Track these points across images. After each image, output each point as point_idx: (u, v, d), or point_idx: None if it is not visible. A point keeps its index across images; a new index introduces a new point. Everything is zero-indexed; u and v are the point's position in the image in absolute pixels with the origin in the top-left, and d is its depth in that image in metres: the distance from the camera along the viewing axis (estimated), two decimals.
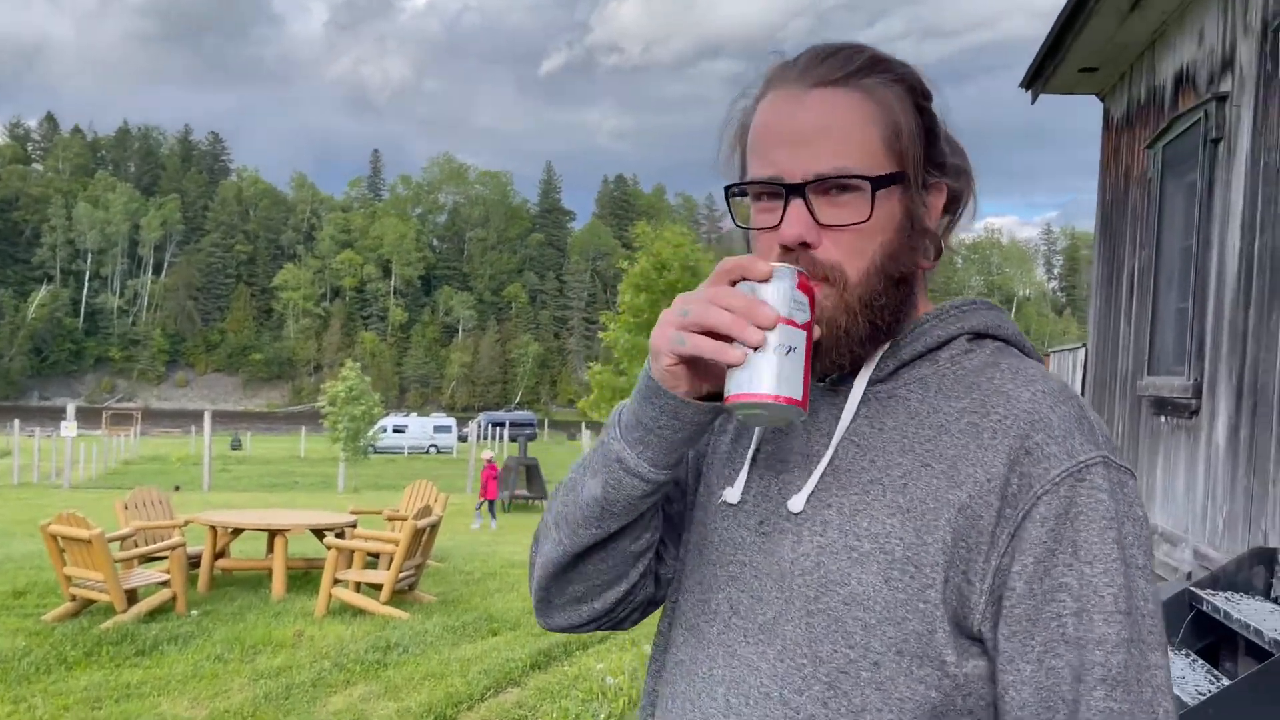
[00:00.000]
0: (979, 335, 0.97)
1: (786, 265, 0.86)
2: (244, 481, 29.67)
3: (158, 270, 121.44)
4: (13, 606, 7.67)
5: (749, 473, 1.01)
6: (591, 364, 30.19)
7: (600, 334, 28.83)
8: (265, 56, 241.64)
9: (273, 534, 8.71)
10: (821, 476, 0.93)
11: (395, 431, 49.74)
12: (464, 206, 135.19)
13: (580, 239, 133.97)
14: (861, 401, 0.95)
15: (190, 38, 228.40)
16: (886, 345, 0.95)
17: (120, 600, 7.16)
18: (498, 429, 47.82)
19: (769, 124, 0.93)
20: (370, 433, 29.56)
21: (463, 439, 48.72)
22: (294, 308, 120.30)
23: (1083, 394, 7.32)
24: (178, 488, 24.21)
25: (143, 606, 7.30)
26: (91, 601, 7.37)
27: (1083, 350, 8.42)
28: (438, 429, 52.53)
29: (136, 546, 8.07)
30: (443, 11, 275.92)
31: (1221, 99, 4.91)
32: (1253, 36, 4.63)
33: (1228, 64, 4.94)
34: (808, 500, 0.93)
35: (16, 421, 32.55)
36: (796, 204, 0.89)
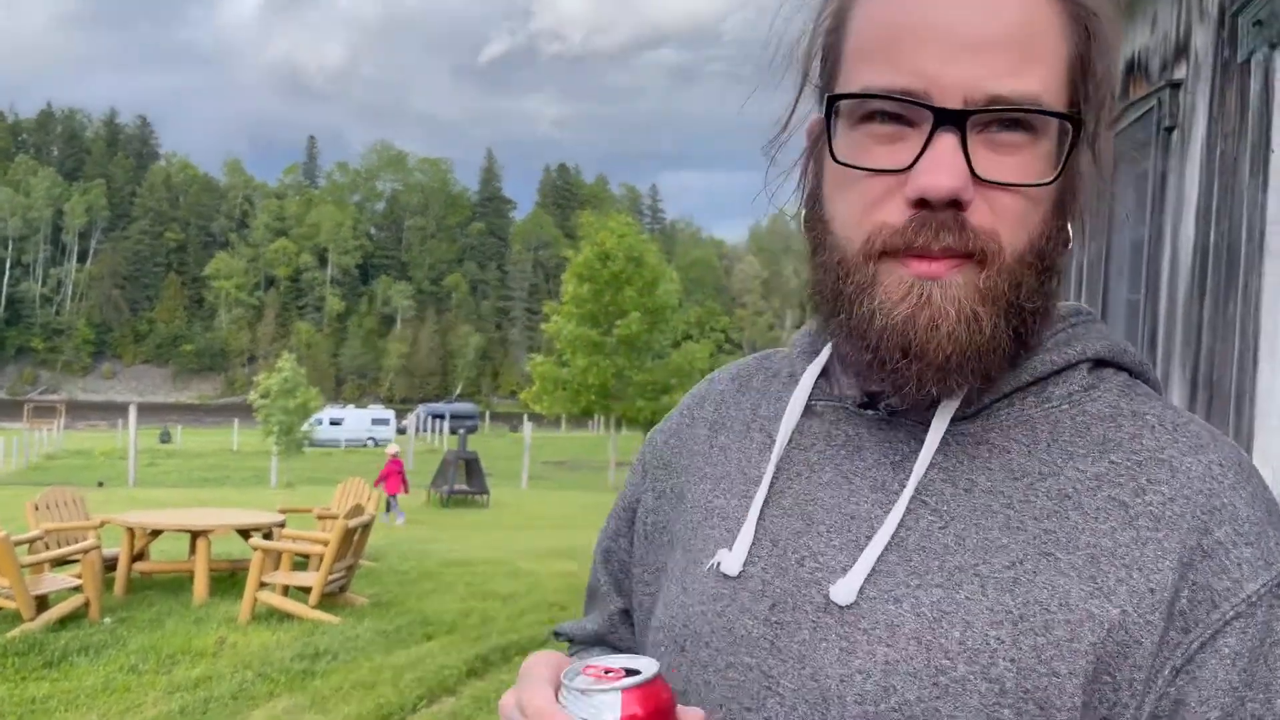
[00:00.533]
0: (1099, 363, 0.71)
1: (614, 688, 0.58)
2: (173, 476, 28.80)
3: (83, 258, 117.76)
4: None
5: (756, 530, 0.71)
6: (533, 355, 29.91)
7: (542, 325, 28.56)
8: (198, 39, 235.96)
9: (195, 535, 8.31)
10: (882, 554, 0.65)
11: (332, 424, 48.86)
12: (403, 194, 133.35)
13: (522, 228, 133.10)
14: (939, 446, 0.68)
15: (120, 20, 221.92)
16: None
17: (27, 607, 6.73)
18: (438, 421, 47.24)
19: (907, 12, 0.63)
20: (305, 426, 28.91)
21: (401, 431, 48.09)
22: (226, 297, 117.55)
23: None
24: (101, 483, 23.42)
25: (52, 614, 6.87)
26: None
27: None
28: (375, 421, 51.71)
29: (47, 549, 7.63)
30: None
31: (1175, 86, 4.82)
32: (1209, 22, 4.54)
33: (1182, 51, 4.85)
34: (861, 588, 0.65)
35: None
36: (948, 139, 0.61)
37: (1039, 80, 0.62)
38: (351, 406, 58.80)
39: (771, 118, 0.73)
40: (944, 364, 0.63)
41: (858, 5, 0.67)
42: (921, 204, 0.61)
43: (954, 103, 0.61)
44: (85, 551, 7.31)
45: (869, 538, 0.67)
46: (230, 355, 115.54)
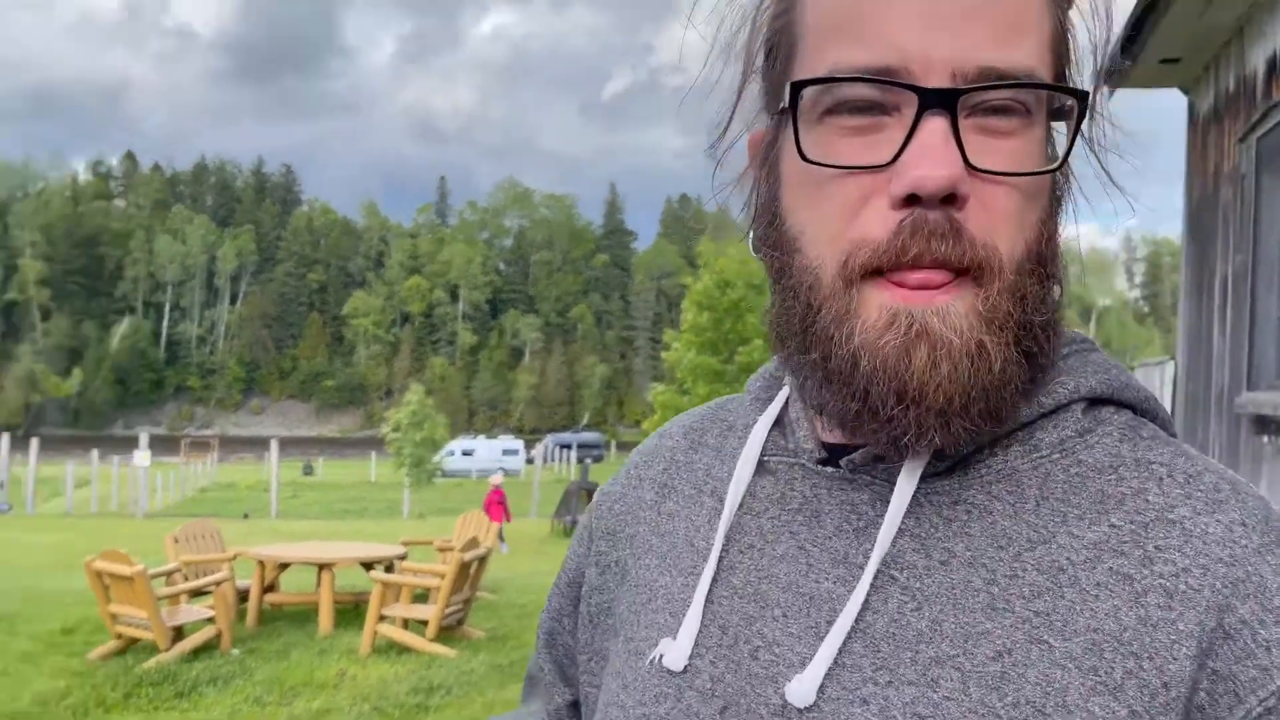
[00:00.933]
0: (1096, 401, 0.61)
1: None
2: (313, 508, 29.96)
3: (234, 300, 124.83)
4: (60, 644, 7.58)
5: (704, 614, 0.61)
6: (656, 384, 29.94)
7: (663, 353, 28.59)
8: (336, 89, 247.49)
9: (320, 568, 8.53)
10: (845, 643, 0.55)
11: (463, 455, 50.07)
12: (529, 230, 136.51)
13: (644, 259, 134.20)
14: (909, 507, 0.58)
15: (264, 73, 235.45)
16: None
17: (163, 638, 7.01)
18: (565, 451, 47.79)
19: None
20: (435, 458, 29.61)
21: (530, 461, 48.82)
22: (364, 334, 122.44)
23: (1172, 413, 6.77)
24: (246, 515, 24.51)
25: (186, 644, 7.14)
26: (136, 639, 7.24)
27: (1171, 364, 7.84)
28: (505, 452, 52.71)
29: (185, 581, 7.95)
30: (508, 39, 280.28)
31: None
32: None
33: None
34: (822, 685, 0.55)
35: (95, 452, 33.40)
36: (937, 123, 0.51)
37: (1030, 51, 0.53)
38: (482, 437, 60.14)
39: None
40: (946, 407, 0.52)
41: None
42: (910, 204, 0.52)
43: (941, 80, 0.51)
44: (218, 584, 7.58)
45: (830, 623, 0.56)
46: (369, 389, 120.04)
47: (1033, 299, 0.55)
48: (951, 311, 0.52)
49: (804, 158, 0.54)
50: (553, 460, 47.97)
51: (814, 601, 0.57)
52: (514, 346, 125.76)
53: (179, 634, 7.28)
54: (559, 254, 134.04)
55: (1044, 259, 0.56)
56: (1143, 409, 0.62)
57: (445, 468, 39.65)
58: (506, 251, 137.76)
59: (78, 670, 6.81)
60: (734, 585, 0.61)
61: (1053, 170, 0.56)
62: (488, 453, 52.38)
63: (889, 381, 0.52)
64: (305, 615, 8.62)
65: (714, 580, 0.62)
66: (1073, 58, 0.58)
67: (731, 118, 0.64)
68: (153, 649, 7.12)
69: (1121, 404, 0.61)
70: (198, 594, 8.06)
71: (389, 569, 8.61)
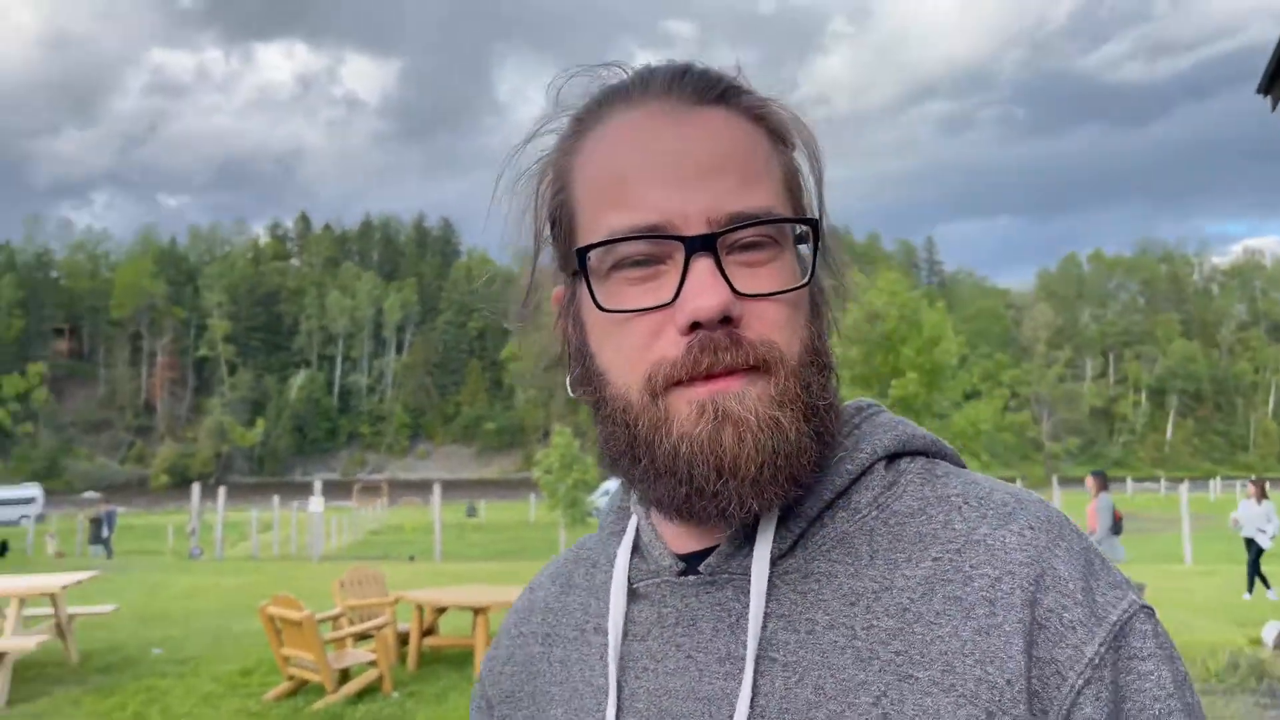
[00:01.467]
0: (894, 456, 0.70)
1: None
2: (476, 550, 30.83)
3: (399, 350, 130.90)
4: (239, 685, 8.04)
5: None
6: None
7: None
8: (490, 144, 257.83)
9: (476, 611, 8.76)
10: None
11: None
12: None
13: None
14: (769, 592, 0.66)
15: (424, 133, 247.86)
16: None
17: (330, 681, 7.33)
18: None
19: (631, 155, 0.65)
20: (590, 498, 30.05)
21: None
22: (522, 378, 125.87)
23: None
24: (412, 558, 25.43)
25: (351, 687, 7.45)
26: (306, 681, 7.60)
27: None
28: (607, 492, 52.97)
29: (350, 624, 8.31)
30: None
31: None
32: None
33: None
34: None
35: (276, 498, 35.44)
36: (704, 263, 0.62)
37: (768, 194, 0.65)
38: None
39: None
40: (758, 476, 0.62)
41: (578, 162, 0.68)
42: (694, 329, 0.62)
43: (700, 227, 0.62)
44: (379, 628, 7.90)
45: (730, 718, 0.63)
46: (527, 432, 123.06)
47: (816, 386, 0.65)
48: (747, 396, 0.62)
49: (600, 308, 0.64)
50: None
51: (711, 702, 0.64)
52: None
53: (345, 676, 7.60)
54: None
55: (819, 353, 0.66)
56: (932, 452, 0.71)
57: (599, 507, 40.18)
58: None
59: (254, 711, 7.21)
60: (638, 710, 0.67)
61: (803, 285, 0.65)
62: None
63: (708, 460, 0.61)
64: (463, 658, 8.86)
65: (619, 710, 0.68)
66: (804, 193, 0.69)
67: (530, 282, 0.74)
68: (321, 690, 7.46)
69: (914, 453, 0.70)
70: (362, 637, 8.41)
71: None
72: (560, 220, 0.69)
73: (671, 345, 0.62)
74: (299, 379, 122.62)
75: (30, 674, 8.26)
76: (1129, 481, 68.79)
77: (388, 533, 39.60)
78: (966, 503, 0.66)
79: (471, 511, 50.82)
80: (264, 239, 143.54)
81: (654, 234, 0.63)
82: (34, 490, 47.64)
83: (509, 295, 0.78)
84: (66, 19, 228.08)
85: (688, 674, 0.66)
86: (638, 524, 0.74)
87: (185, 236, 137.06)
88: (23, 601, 7.97)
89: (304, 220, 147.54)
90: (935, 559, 0.63)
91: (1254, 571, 14.17)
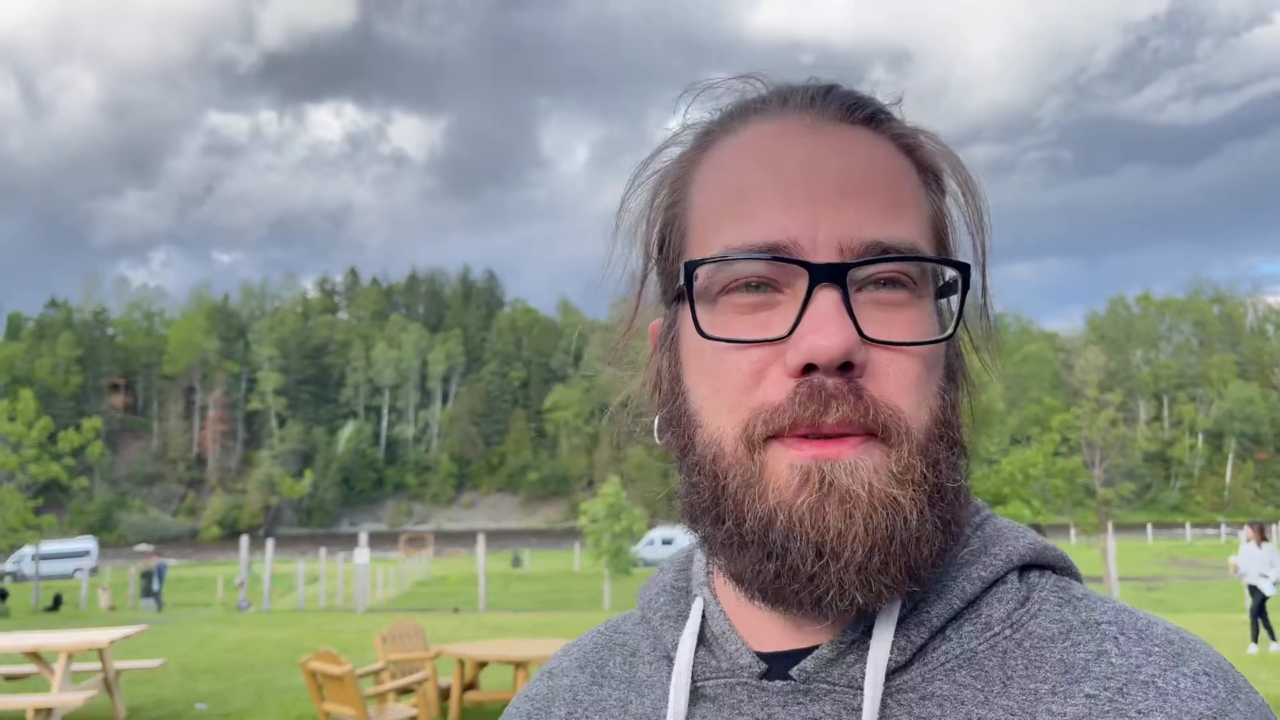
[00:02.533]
0: (1026, 567, 0.60)
1: None
2: (520, 600, 30.74)
3: (444, 400, 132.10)
4: None
5: None
6: None
7: None
8: (535, 197, 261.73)
9: (516, 666, 8.70)
10: None
11: (664, 544, 50.22)
12: None
13: None
14: (879, 714, 0.55)
15: (470, 188, 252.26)
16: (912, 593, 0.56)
17: None
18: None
19: (758, 166, 0.56)
20: (635, 548, 29.89)
21: None
22: (565, 427, 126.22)
23: None
24: (456, 609, 25.39)
25: None
26: None
27: None
28: (650, 562, 52.68)
29: (392, 679, 8.30)
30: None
31: None
32: None
33: None
34: None
35: (323, 550, 35.70)
36: (829, 295, 0.52)
37: (911, 227, 0.55)
38: (682, 527, 60.22)
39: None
40: (866, 562, 0.52)
41: (698, 170, 0.60)
42: (808, 373, 0.52)
43: (829, 255, 0.53)
44: (420, 682, 7.87)
45: None
46: (571, 481, 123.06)
47: (945, 465, 0.54)
48: (860, 467, 0.52)
49: (702, 333, 0.55)
50: None
51: None
52: None
53: None
54: None
55: (951, 425, 0.56)
56: (1061, 568, 0.61)
57: (645, 557, 39.91)
58: None
59: None
60: None
61: (943, 339, 0.55)
62: (687, 541, 52.37)
63: (806, 537, 0.52)
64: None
65: None
66: (951, 240, 0.60)
67: (636, 308, 0.65)
68: None
69: (1044, 567, 0.61)
70: (404, 692, 8.38)
71: None
72: (670, 238, 0.61)
73: (777, 388, 0.53)
74: (347, 430, 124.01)
75: None
76: (1187, 527, 66.83)
77: (433, 584, 39.63)
78: (1123, 634, 0.55)
79: (517, 562, 50.76)
80: (312, 293, 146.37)
81: (774, 255, 0.53)
82: (88, 543, 48.48)
83: (598, 341, 0.69)
84: (128, 86, 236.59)
85: None
86: (704, 609, 0.63)
87: (237, 292, 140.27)
88: (71, 656, 8.06)
89: (352, 274, 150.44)
90: (1089, 695, 0.53)
91: (1256, 619, 13.54)
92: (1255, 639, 13.51)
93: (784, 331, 0.52)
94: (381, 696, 7.99)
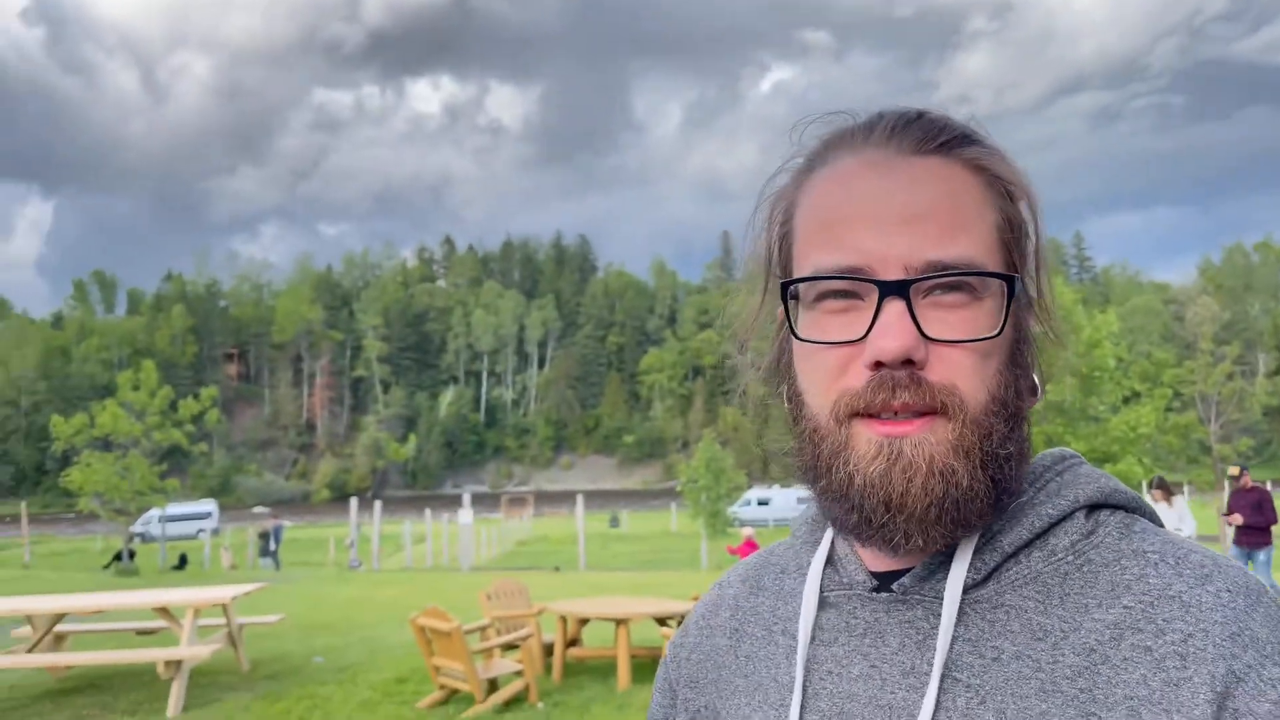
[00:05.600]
0: (1095, 506, 0.73)
1: None
2: (619, 559, 31.13)
3: (541, 364, 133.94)
4: (394, 693, 8.36)
5: None
6: None
7: None
8: (627, 162, 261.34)
9: (617, 623, 8.84)
10: None
11: (760, 504, 50.21)
12: None
13: None
14: (958, 616, 0.70)
15: (564, 155, 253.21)
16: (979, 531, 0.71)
17: (479, 690, 7.53)
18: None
19: (842, 199, 0.70)
20: (731, 508, 29.93)
21: None
22: (659, 389, 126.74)
23: None
24: (557, 568, 25.88)
25: (498, 697, 7.63)
26: (456, 690, 7.83)
27: None
28: (801, 500, 52.07)
29: (497, 635, 8.53)
30: (788, 94, 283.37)
31: None
32: None
33: None
34: None
35: (428, 510, 36.72)
36: (895, 306, 0.66)
37: (970, 244, 0.68)
38: (778, 486, 60.08)
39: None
40: (924, 516, 0.66)
41: (801, 200, 0.74)
42: (878, 367, 0.66)
43: (895, 273, 0.67)
44: (524, 639, 8.07)
45: None
46: (666, 442, 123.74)
47: (998, 435, 0.68)
48: (924, 442, 0.66)
49: (797, 337, 0.71)
50: None
51: (893, 711, 0.69)
52: None
53: (493, 686, 7.80)
54: None
55: (1007, 403, 0.69)
56: (1131, 508, 0.74)
57: (742, 517, 39.94)
58: None
59: (408, 718, 7.48)
60: (821, 710, 0.72)
61: (990, 338, 0.67)
62: (784, 501, 52.16)
63: (876, 495, 0.67)
64: (606, 669, 8.96)
65: (802, 707, 0.73)
66: (1024, 242, 0.72)
67: (760, 307, 0.79)
68: (471, 699, 7.68)
69: (1114, 506, 0.74)
70: (508, 648, 8.61)
71: (680, 624, 8.78)
72: (782, 250, 0.76)
73: (856, 378, 0.67)
74: (447, 395, 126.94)
75: (204, 681, 8.81)
76: None
77: (534, 543, 40.44)
78: (1163, 560, 0.68)
79: (614, 522, 51.37)
80: (412, 262, 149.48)
81: (852, 275, 0.67)
82: (210, 506, 50.89)
83: (730, 316, 0.84)
84: (239, 69, 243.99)
85: (871, 682, 0.70)
86: (833, 537, 0.79)
87: (339, 263, 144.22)
88: (197, 612, 8.51)
89: (449, 243, 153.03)
90: (1127, 608, 0.66)
91: None
92: None
93: (862, 333, 0.67)
94: (488, 652, 8.23)
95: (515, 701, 7.72)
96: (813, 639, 0.75)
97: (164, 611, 8.49)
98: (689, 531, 37.54)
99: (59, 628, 9.16)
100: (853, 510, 0.68)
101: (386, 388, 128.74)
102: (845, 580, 0.76)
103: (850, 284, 0.68)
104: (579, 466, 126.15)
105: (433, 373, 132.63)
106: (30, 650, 8.70)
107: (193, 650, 8.02)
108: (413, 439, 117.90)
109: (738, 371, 0.85)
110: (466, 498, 28.67)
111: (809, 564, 0.80)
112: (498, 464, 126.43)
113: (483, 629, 8.51)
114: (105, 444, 26.58)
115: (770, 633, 0.80)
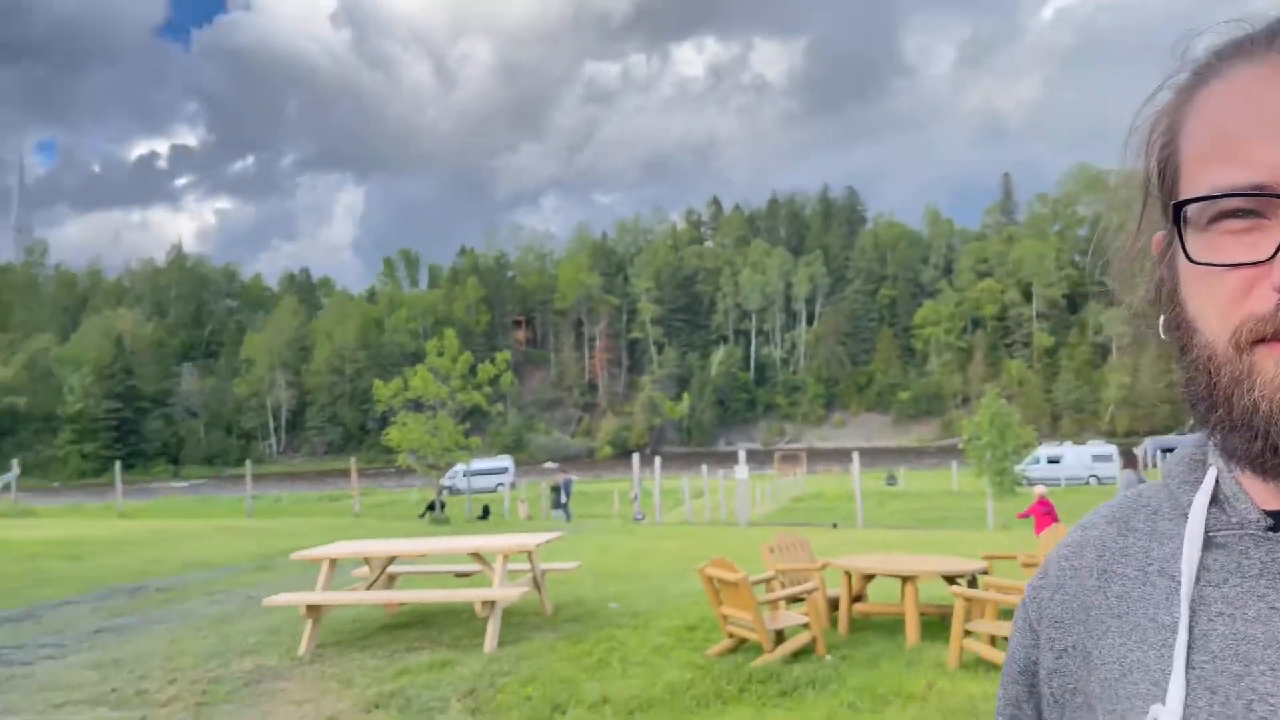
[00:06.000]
0: None
1: None
2: (897, 517, 30.57)
3: (809, 321, 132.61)
4: (685, 639, 8.73)
5: (1187, 679, 0.68)
6: None
7: None
8: (897, 107, 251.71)
9: (904, 580, 8.73)
10: None
11: (1050, 463, 47.39)
12: (1106, 215, 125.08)
13: None
14: None
15: (830, 107, 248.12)
16: None
17: (767, 640, 7.72)
18: (1167, 455, 42.77)
19: (1243, 110, 0.64)
20: (1019, 466, 28.48)
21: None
22: (935, 342, 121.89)
23: None
24: (835, 525, 25.79)
25: (787, 647, 7.78)
26: (744, 640, 8.07)
27: None
28: (1096, 458, 48.76)
29: (781, 588, 8.69)
30: (1073, 20, 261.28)
31: None
32: None
33: None
34: None
35: (704, 466, 37.69)
36: None
37: None
38: (1069, 443, 56.33)
39: None
40: None
41: (1189, 115, 0.69)
42: None
43: None
44: (809, 592, 8.17)
45: None
46: (944, 398, 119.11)
47: None
48: None
49: (1191, 260, 0.66)
50: (1152, 466, 43.24)
51: None
52: (1097, 343, 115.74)
53: (779, 637, 7.96)
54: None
55: None
56: None
57: (1030, 476, 37.85)
58: (1082, 241, 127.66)
59: (699, 664, 7.80)
60: (1211, 650, 0.68)
61: None
62: (1076, 459, 48.91)
63: None
64: (892, 625, 8.89)
65: (1189, 648, 0.69)
66: None
67: (1139, 228, 0.77)
68: (758, 649, 7.89)
69: None
70: (793, 600, 8.74)
71: (972, 583, 8.53)
72: (1166, 172, 0.71)
73: (1262, 302, 0.63)
74: (718, 355, 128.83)
75: (514, 620, 9.62)
76: None
77: (809, 500, 40.48)
78: None
79: (891, 480, 50.35)
80: (680, 225, 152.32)
81: (1257, 192, 0.62)
82: (507, 461, 55.01)
83: (1107, 245, 0.82)
84: (517, 50, 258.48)
85: (1270, 624, 0.66)
86: (1217, 476, 0.74)
87: (613, 230, 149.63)
88: (506, 557, 9.28)
89: (715, 204, 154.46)
90: None
91: None
92: None
93: (1269, 254, 0.62)
94: (774, 604, 8.40)
95: (803, 653, 7.85)
96: (1198, 580, 0.71)
97: (478, 556, 9.32)
98: (972, 490, 36.10)
99: (390, 569, 10.30)
100: (1256, 438, 0.64)
101: (660, 348, 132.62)
102: (1235, 520, 0.71)
103: (1255, 201, 0.63)
104: (851, 424, 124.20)
105: (703, 333, 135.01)
106: (368, 588, 9.86)
107: (504, 592, 8.76)
108: (686, 397, 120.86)
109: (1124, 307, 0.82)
110: (742, 454, 29.13)
111: (1187, 503, 0.76)
112: (769, 421, 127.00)
113: (767, 581, 8.69)
114: (417, 405, 29.32)
115: (1145, 574, 0.76)
